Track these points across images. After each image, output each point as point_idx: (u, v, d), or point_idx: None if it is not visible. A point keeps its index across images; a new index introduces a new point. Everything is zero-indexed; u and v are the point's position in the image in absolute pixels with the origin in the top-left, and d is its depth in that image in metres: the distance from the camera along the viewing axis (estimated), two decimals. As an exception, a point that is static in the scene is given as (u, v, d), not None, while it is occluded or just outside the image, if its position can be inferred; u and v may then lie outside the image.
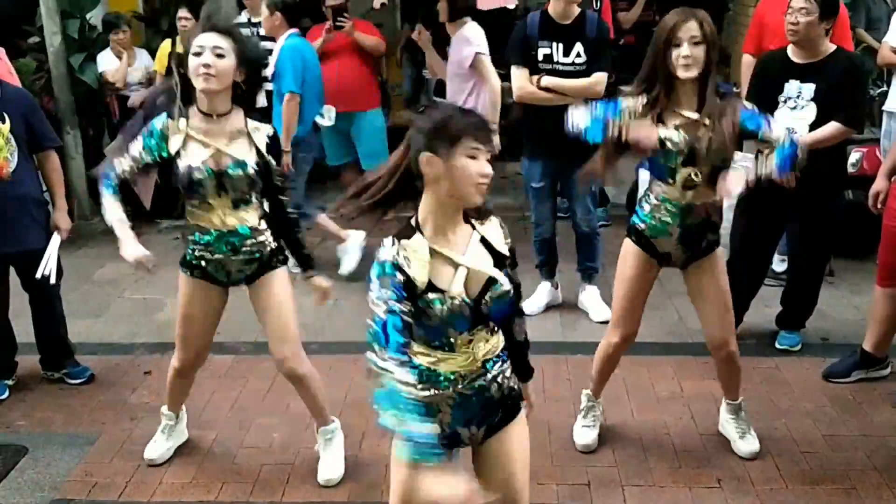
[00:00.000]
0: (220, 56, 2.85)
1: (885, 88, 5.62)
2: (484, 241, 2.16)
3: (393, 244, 2.06)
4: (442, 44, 6.24)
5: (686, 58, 2.96)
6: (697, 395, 3.91)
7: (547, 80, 4.48)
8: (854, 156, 5.12)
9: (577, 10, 4.49)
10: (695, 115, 3.05)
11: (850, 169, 4.93)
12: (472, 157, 2.04)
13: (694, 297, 3.37)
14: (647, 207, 3.25)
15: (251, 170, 2.99)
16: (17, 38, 6.71)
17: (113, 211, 3.03)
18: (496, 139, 2.13)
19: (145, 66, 6.40)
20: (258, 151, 3.02)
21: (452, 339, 2.14)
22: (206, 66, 2.83)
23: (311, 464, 3.46)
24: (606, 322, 4.73)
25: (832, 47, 3.99)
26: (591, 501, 3.25)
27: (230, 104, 2.98)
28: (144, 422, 3.81)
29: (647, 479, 3.35)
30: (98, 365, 4.29)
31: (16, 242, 3.89)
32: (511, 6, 6.70)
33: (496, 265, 2.15)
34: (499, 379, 2.22)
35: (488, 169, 2.05)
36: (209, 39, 2.86)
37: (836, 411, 3.80)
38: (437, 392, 2.17)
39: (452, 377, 2.17)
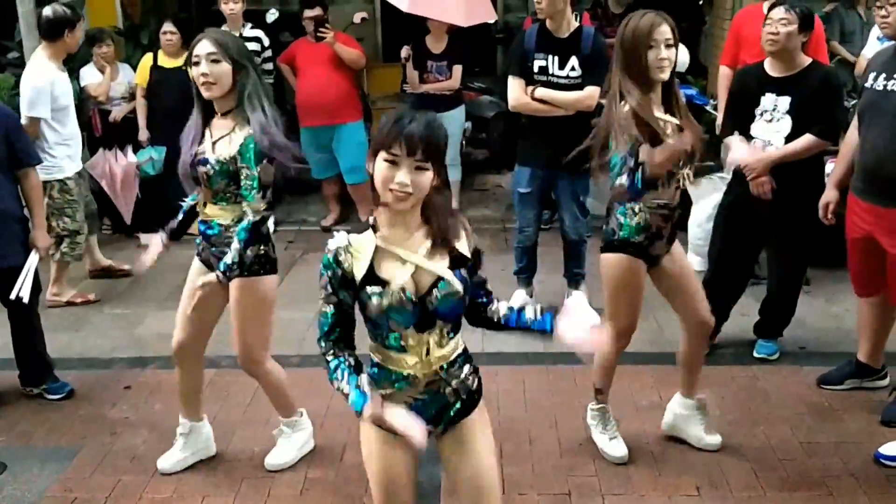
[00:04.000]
0: (215, 61, 3.00)
1: (858, 100, 5.70)
2: (444, 241, 2.16)
3: (341, 239, 2.15)
4: (423, 59, 6.29)
5: (664, 59, 3.04)
6: (677, 403, 3.93)
7: (540, 92, 4.55)
8: (829, 166, 5.18)
9: (574, 25, 4.57)
10: (671, 119, 3.12)
11: (826, 179, 5.00)
12: (393, 163, 2.03)
13: (672, 285, 3.38)
14: (636, 220, 3.21)
15: (210, 168, 3.07)
16: (-4, 54, 6.70)
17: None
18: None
19: (128, 81, 6.39)
20: (234, 152, 3.06)
21: (402, 339, 2.17)
22: (205, 74, 3.00)
23: (292, 476, 3.47)
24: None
25: (808, 60, 4.05)
26: (571, 510, 3.27)
27: (234, 103, 3.08)
28: (124, 436, 3.80)
29: (628, 488, 3.37)
30: (78, 380, 4.26)
31: (-7, 258, 3.87)
32: (491, 21, 6.77)
33: (453, 266, 2.17)
34: (454, 384, 2.26)
35: (401, 178, 2.02)
36: (203, 48, 3.02)
37: (813, 418, 3.84)
38: (392, 392, 2.22)
39: (407, 379, 2.20)
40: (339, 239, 2.15)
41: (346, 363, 2.18)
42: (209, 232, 3.20)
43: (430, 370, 2.21)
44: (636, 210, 3.21)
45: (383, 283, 2.12)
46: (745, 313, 4.58)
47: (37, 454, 3.67)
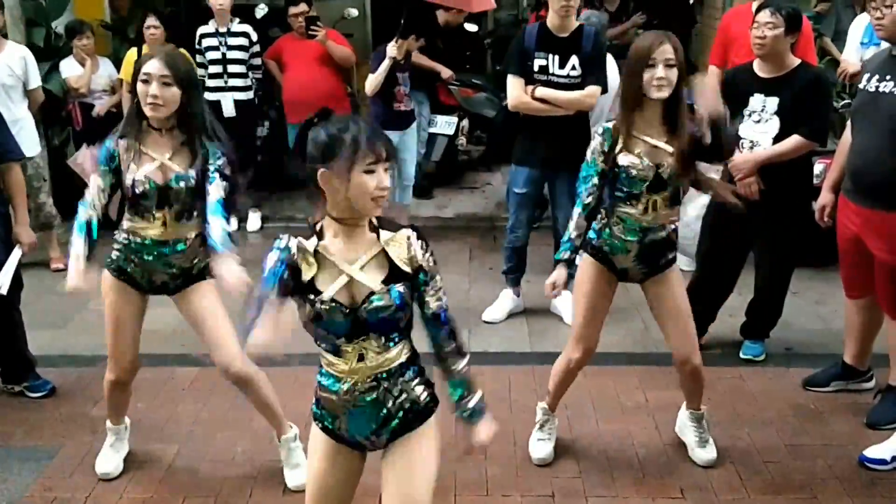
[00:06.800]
0: (166, 84, 2.97)
1: (848, 101, 5.69)
2: (385, 253, 2.15)
3: (290, 240, 2.15)
4: (393, 72, 6.11)
5: (660, 79, 3.02)
6: (662, 405, 3.92)
7: (540, 91, 4.52)
8: (818, 167, 5.19)
9: (574, 24, 4.54)
10: (657, 142, 3.11)
11: (815, 180, 5.00)
12: (370, 172, 2.04)
13: (655, 311, 3.39)
14: (607, 225, 3.26)
15: (192, 181, 3.05)
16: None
17: (75, 245, 3.03)
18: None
19: (108, 74, 6.34)
20: (200, 161, 3.05)
21: (338, 344, 2.16)
22: (154, 96, 2.96)
23: (274, 477, 3.44)
24: None
25: (796, 61, 4.04)
26: (555, 513, 3.25)
27: (173, 121, 3.06)
28: (105, 436, 3.76)
29: (611, 490, 3.36)
30: (59, 378, 4.22)
31: (-26, 255, 3.82)
32: (490, 8, 6.79)
33: (391, 279, 2.13)
34: (394, 391, 2.20)
35: (386, 182, 2.06)
36: (156, 68, 2.97)
37: (798, 420, 3.84)
38: (331, 396, 2.21)
39: (344, 384, 2.18)
40: (286, 240, 2.15)
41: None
42: (167, 251, 3.10)
43: (366, 376, 2.17)
44: (612, 218, 3.25)
45: (317, 292, 2.12)
46: (732, 314, 4.57)
47: (16, 453, 3.63)
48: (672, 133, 3.10)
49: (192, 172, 3.06)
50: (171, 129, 3.06)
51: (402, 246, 2.16)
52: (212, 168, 3.05)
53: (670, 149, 3.10)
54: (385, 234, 2.16)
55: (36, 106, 5.60)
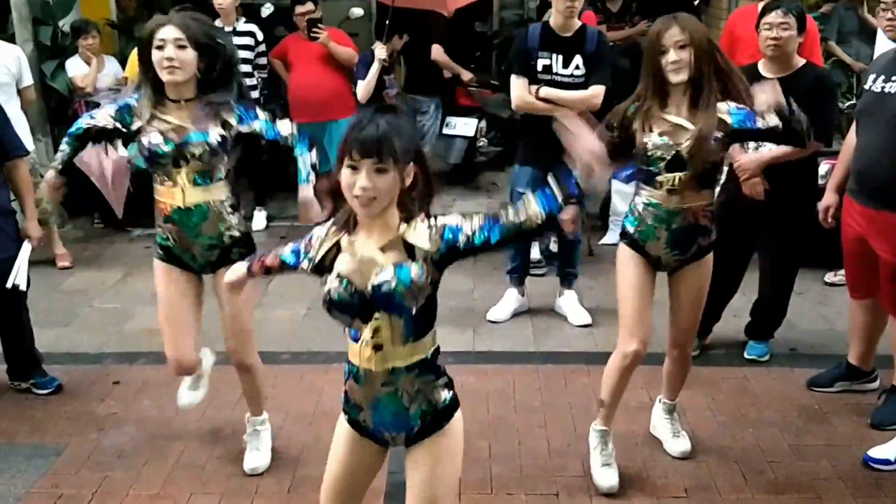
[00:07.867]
0: (181, 47, 2.96)
1: (853, 101, 5.70)
2: (404, 242, 2.10)
3: (326, 225, 2.24)
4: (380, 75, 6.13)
5: (675, 62, 3.01)
6: (666, 404, 3.92)
7: (545, 91, 4.51)
8: (823, 168, 5.19)
9: (577, 24, 4.54)
10: (680, 121, 3.08)
11: (820, 181, 5.00)
12: (353, 169, 2.03)
13: (672, 298, 3.37)
14: (636, 211, 3.26)
15: (213, 140, 3.03)
16: (-12, 45, 6.66)
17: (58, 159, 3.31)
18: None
19: (114, 73, 6.36)
20: (223, 124, 3.06)
21: (354, 327, 2.16)
22: (170, 59, 2.94)
23: (279, 474, 3.46)
24: (585, 326, 4.82)
25: (801, 62, 4.05)
26: (559, 511, 3.26)
27: (195, 91, 3.05)
28: (111, 433, 3.78)
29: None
30: (66, 375, 4.24)
31: (-19, 252, 3.85)
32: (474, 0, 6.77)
33: (402, 260, 2.09)
34: (411, 391, 2.18)
35: (361, 182, 2.00)
36: (169, 32, 2.96)
37: (802, 421, 3.84)
38: (356, 386, 2.22)
39: (364, 375, 2.18)
40: (326, 225, 2.23)
41: None
42: (195, 219, 3.09)
43: (383, 367, 2.15)
44: (640, 203, 3.24)
45: (330, 271, 2.15)
46: (736, 314, 4.58)
47: (22, 450, 3.65)
48: (696, 111, 3.05)
49: (215, 131, 3.03)
50: (191, 101, 3.03)
51: (417, 230, 2.10)
52: (243, 115, 3.08)
53: (692, 127, 3.05)
54: (406, 227, 2.11)
55: (27, 104, 5.61)
